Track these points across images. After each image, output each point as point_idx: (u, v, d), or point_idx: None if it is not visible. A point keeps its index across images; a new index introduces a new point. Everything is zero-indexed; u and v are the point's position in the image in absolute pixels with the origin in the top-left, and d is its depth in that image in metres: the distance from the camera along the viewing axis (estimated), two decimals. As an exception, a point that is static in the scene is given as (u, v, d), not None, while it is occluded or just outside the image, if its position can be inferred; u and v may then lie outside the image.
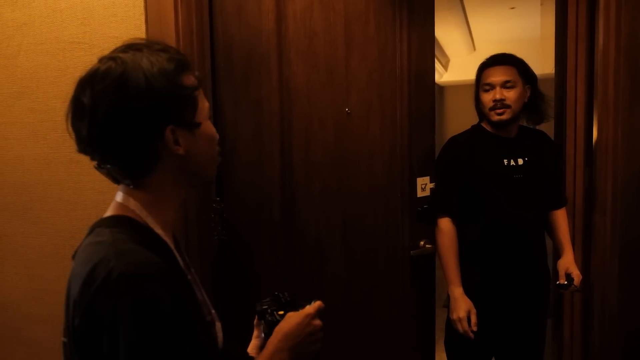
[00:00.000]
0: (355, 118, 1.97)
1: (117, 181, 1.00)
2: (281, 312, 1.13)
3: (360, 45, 1.96)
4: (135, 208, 0.97)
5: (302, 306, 1.13)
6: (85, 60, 1.65)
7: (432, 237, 2.17)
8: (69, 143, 1.73)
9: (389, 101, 2.03)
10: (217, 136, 1.06)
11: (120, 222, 0.95)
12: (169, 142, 0.95)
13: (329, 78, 1.92)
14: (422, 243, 2.15)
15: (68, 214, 1.73)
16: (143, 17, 1.60)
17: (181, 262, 1.00)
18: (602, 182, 1.70)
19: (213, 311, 1.06)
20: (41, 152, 1.75)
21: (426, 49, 2.12)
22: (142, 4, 1.59)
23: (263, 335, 1.16)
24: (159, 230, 0.98)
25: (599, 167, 1.75)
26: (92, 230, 0.97)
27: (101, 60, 0.95)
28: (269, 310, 1.14)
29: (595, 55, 1.94)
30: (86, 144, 0.95)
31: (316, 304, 1.12)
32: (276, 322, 1.11)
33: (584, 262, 2.19)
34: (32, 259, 1.79)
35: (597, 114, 1.86)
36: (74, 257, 0.96)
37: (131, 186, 0.98)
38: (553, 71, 2.51)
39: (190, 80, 0.98)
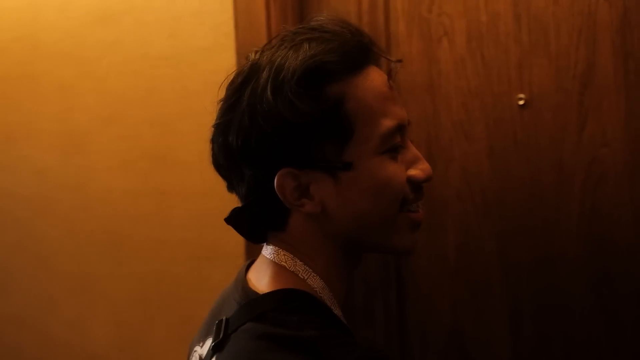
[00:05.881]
0: (541, 110, 1.13)
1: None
2: None
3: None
4: (314, 283, 0.65)
5: None
6: (172, 78, 1.46)
7: None
8: (157, 173, 1.55)
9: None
10: (402, 180, 0.65)
11: (301, 310, 0.62)
12: (284, 192, 0.64)
13: (467, 49, 1.19)
14: None
15: (156, 255, 1.53)
16: (232, 23, 1.36)
17: None
18: None
19: None
20: (129, 184, 1.57)
21: None
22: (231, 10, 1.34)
23: None
24: (337, 311, 0.66)
25: None
26: (254, 316, 0.63)
27: (248, 57, 0.70)
28: None
29: None
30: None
31: None
32: None
33: None
34: (120, 305, 1.60)
35: None
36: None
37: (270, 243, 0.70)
38: None
39: (335, 89, 0.63)
